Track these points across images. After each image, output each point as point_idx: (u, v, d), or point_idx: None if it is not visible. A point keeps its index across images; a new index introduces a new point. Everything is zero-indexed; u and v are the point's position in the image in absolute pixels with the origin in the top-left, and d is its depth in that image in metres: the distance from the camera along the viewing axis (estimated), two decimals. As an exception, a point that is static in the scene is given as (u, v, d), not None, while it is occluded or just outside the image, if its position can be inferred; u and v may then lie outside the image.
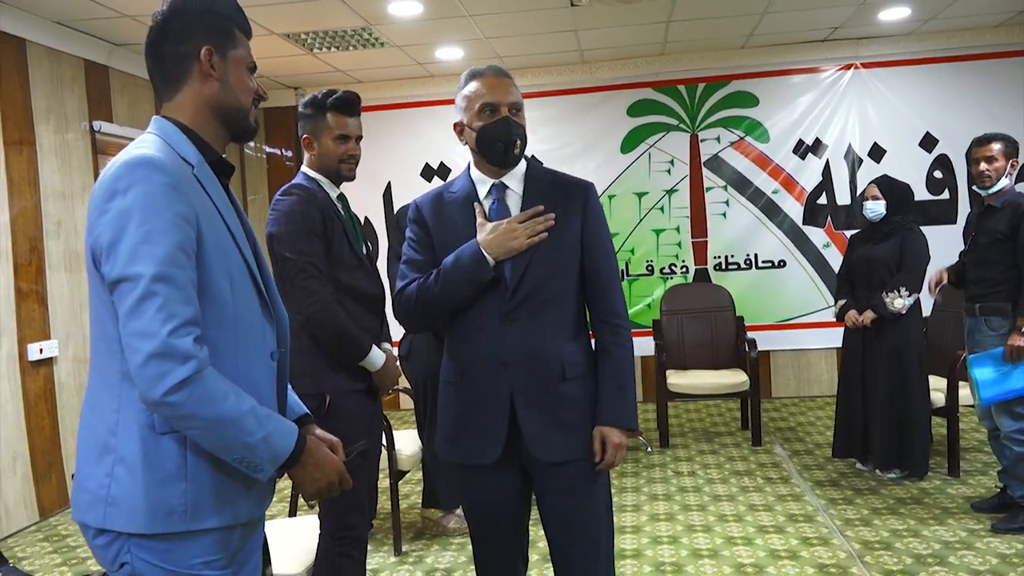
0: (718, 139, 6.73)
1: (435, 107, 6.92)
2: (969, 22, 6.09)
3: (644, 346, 6.48)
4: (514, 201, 2.12)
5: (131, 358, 1.35)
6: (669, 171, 6.78)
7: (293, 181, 2.59)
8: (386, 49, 5.90)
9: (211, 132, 1.54)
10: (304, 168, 2.64)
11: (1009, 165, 3.78)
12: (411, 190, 6.69)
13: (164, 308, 1.34)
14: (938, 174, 6.52)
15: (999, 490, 3.98)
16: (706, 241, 6.76)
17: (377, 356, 2.57)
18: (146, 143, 1.47)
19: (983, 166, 3.80)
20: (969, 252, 3.94)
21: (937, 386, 4.54)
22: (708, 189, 6.73)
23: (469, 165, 2.18)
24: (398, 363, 2.78)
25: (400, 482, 4.20)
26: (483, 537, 2.22)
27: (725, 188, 6.71)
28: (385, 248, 6.17)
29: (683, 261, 6.78)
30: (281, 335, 1.64)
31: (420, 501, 4.31)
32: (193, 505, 1.43)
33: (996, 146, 3.78)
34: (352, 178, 2.65)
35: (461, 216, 2.12)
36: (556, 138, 6.85)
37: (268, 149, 7.21)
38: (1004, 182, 3.79)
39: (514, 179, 2.14)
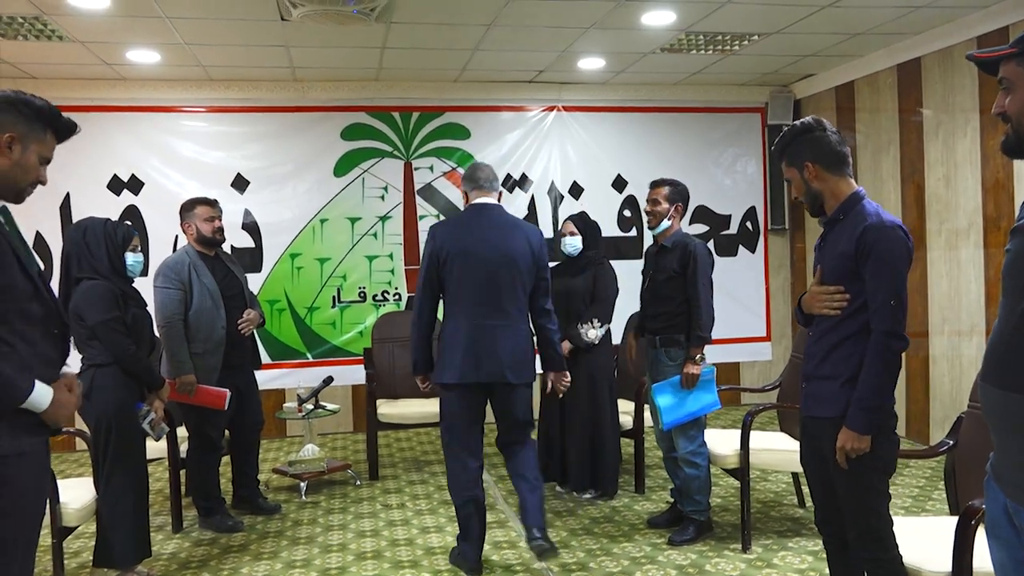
0: (431, 168, 6.81)
1: (126, 113, 6.29)
2: (653, 78, 6.76)
3: (355, 375, 6.35)
4: None
5: None
6: (383, 197, 6.73)
7: None
8: (67, 44, 5.22)
9: None
10: None
11: (673, 209, 4.06)
12: (95, 203, 5.99)
13: None
14: (627, 213, 7.15)
15: (669, 504, 4.37)
16: (418, 269, 6.75)
17: (40, 396, 2.10)
18: None
19: (648, 208, 4.16)
20: (647, 288, 4.23)
21: (624, 409, 4.89)
22: (421, 217, 6.78)
23: None
24: (79, 392, 2.29)
25: (68, 538, 3.65)
26: None
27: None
28: (59, 267, 5.38)
29: (396, 288, 6.75)
30: None
31: (92, 560, 3.77)
32: None
33: (663, 191, 4.08)
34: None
35: None
36: (266, 156, 6.52)
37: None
38: (666, 224, 4.07)
39: None
